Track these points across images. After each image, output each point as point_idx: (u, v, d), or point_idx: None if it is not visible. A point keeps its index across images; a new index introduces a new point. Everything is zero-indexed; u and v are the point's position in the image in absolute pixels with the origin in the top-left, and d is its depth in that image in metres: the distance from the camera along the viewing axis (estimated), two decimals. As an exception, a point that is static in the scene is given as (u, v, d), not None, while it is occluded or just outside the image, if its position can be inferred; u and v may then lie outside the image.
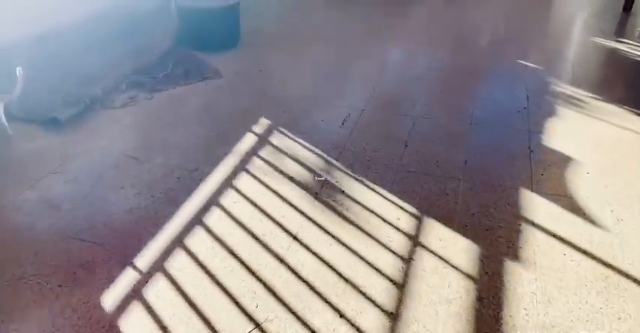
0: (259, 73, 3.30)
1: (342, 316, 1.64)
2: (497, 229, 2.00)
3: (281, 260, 1.85)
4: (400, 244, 1.92)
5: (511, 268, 1.82)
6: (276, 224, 2.01)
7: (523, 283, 1.75)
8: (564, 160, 2.41)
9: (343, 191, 2.20)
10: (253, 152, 2.47)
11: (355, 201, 2.14)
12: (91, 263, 1.82)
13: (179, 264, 1.83)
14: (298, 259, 1.85)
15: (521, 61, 3.48)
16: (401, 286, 1.75)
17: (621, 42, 3.86)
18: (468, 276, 1.79)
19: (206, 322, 1.62)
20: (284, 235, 1.96)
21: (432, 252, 1.89)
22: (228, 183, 2.25)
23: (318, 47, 3.71)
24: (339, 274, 1.79)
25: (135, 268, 1.81)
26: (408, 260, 1.85)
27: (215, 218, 2.04)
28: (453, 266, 1.83)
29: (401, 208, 2.11)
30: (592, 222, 2.04)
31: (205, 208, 2.09)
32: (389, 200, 2.15)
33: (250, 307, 1.67)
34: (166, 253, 1.87)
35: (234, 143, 2.55)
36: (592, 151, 2.48)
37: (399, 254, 1.87)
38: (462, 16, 4.43)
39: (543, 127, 2.71)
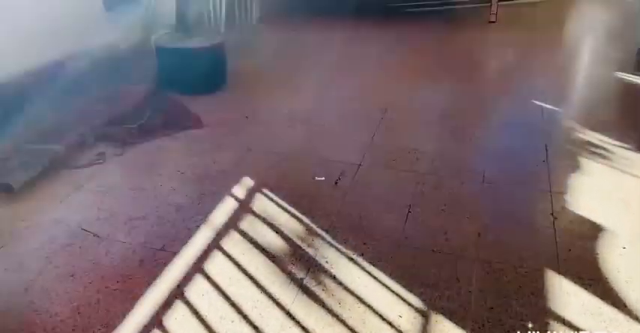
0: (245, 121, 2.98)
1: None
2: (521, 329, 1.63)
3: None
4: (402, 354, 1.56)
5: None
6: (252, 327, 1.66)
7: None
8: (594, 230, 2.06)
9: (334, 276, 1.85)
10: (231, 223, 2.13)
11: (348, 290, 1.79)
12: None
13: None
14: (276, 379, 1.49)
15: (537, 102, 3.14)
16: None
17: (645, 77, 3.52)
18: None
19: None
20: (260, 342, 1.61)
21: (442, 367, 1.53)
22: (197, 267, 1.90)
23: (312, 89, 3.40)
24: None
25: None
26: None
27: (178, 317, 1.69)
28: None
29: (403, 300, 1.75)
30: (636, 318, 1.67)
31: (167, 304, 1.74)
32: (389, 289, 1.79)
33: None
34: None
35: (211, 211, 2.21)
36: (624, 214, 2.12)
37: (402, 370, 1.51)
38: (469, 50, 4.11)
39: (566, 185, 2.36)
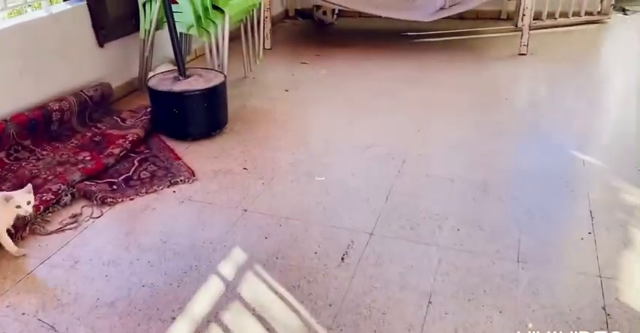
0: (243, 173, 2.63)
1: None
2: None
3: None
4: None
5: None
6: None
7: None
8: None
9: None
10: (214, 315, 1.77)
11: None
12: None
13: None
14: None
15: (577, 154, 2.74)
16: None
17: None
18: None
19: None
20: None
21: None
22: (165, 382, 1.54)
23: (322, 133, 3.06)
24: None
25: None
26: None
27: None
28: None
29: None
30: None
31: None
32: None
33: None
34: None
35: (191, 296, 1.86)
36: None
37: None
38: (498, 87, 3.73)
39: (618, 267, 1.96)
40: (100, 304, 1.83)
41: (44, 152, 2.76)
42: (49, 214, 2.32)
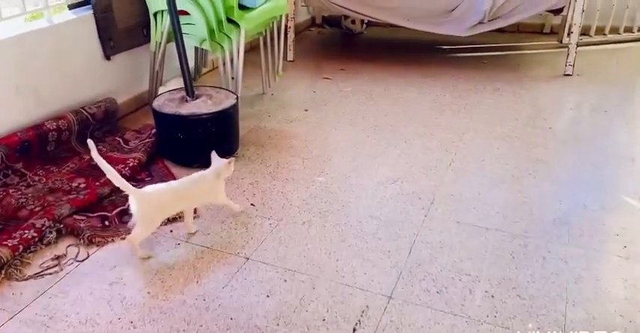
0: (250, 210, 2.35)
1: None
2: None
3: None
4: None
5: None
6: None
7: None
8: None
9: None
10: None
11: None
12: None
13: None
14: None
15: (635, 202, 2.38)
16: None
17: None
18: None
19: None
20: None
21: None
22: None
23: (340, 164, 2.75)
24: None
25: None
26: None
27: None
28: None
29: None
30: None
31: None
32: None
33: None
34: None
35: (175, 372, 1.57)
36: None
37: None
38: (542, 113, 3.37)
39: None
40: (68, 378, 1.56)
41: (36, 177, 2.53)
42: (30, 254, 2.07)
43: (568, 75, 3.86)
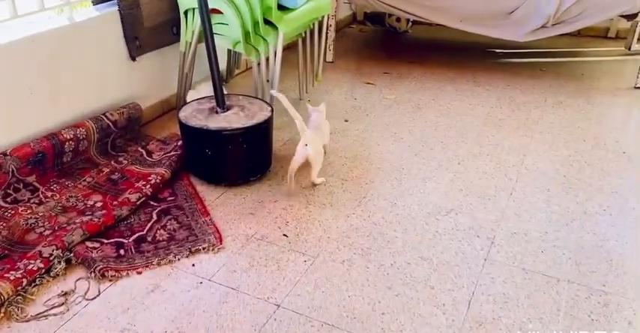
0: (283, 242, 2.07)
1: None
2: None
3: None
4: None
5: None
6: None
7: None
8: None
9: None
10: None
11: None
12: None
13: None
14: None
15: None
16: None
17: None
18: None
19: None
20: None
21: None
22: None
23: (386, 190, 2.44)
24: None
25: None
26: None
27: None
28: None
29: None
30: None
31: None
32: None
33: None
34: None
35: None
36: None
37: None
38: (612, 132, 2.98)
39: None
40: None
41: (49, 193, 2.29)
42: (34, 289, 1.83)
43: (639, 88, 3.45)
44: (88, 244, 2.01)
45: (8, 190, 2.24)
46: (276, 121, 2.86)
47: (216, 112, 2.41)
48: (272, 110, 2.44)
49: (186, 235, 2.10)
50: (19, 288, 1.79)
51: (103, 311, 1.77)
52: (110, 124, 2.61)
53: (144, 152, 2.61)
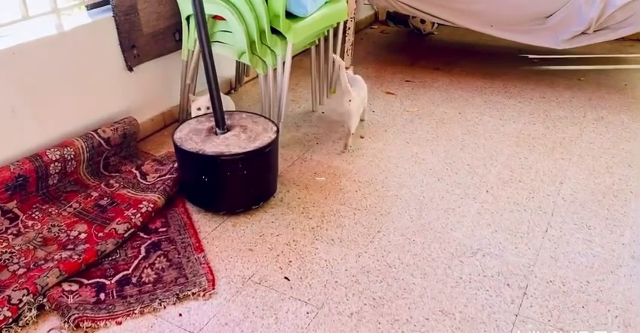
0: (284, 286, 1.82)
1: None
2: None
3: None
4: None
5: None
6: None
7: None
8: None
9: None
10: None
11: None
12: None
13: None
14: None
15: None
16: None
17: None
18: None
19: None
20: None
21: None
22: None
23: (402, 221, 2.17)
24: None
25: None
26: None
27: None
28: None
29: None
30: None
31: None
32: None
33: None
34: None
35: None
36: None
37: None
38: None
39: None
40: None
41: (29, 222, 2.08)
42: (-1, 342, 1.61)
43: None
44: (65, 286, 1.79)
45: (-16, 219, 2.03)
46: (284, 137, 2.62)
47: (215, 133, 2.16)
48: (277, 131, 2.18)
49: (176, 277, 1.86)
50: (-19, 341, 1.57)
51: (73, 372, 1.54)
52: (102, 141, 2.39)
53: (138, 174, 2.37)
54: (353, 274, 1.89)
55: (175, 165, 2.33)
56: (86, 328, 1.66)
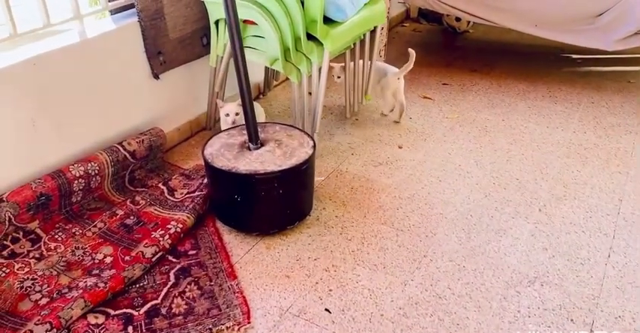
0: (324, 320, 1.67)
1: None
2: None
3: None
4: None
5: None
6: None
7: None
8: None
9: None
10: None
11: None
12: None
13: None
14: None
15: None
16: None
17: None
18: None
19: None
20: None
21: None
22: None
23: (450, 244, 2.00)
24: None
25: None
26: None
27: None
28: None
29: None
30: None
31: None
32: None
33: None
34: None
35: None
36: None
37: None
38: None
39: None
40: None
41: (52, 244, 1.96)
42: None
43: None
44: (91, 318, 1.66)
45: (5, 242, 1.92)
46: (318, 147, 2.46)
47: (249, 148, 2.01)
48: (314, 145, 2.02)
49: (208, 308, 1.72)
50: (2, 383, 1.45)
51: None
52: (127, 155, 2.26)
53: (165, 190, 2.24)
54: (400, 306, 1.73)
55: (204, 180, 2.19)
56: (113, 367, 1.53)
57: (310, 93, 2.38)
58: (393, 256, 1.94)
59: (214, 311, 1.71)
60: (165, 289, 1.80)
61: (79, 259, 1.91)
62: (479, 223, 2.10)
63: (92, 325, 1.64)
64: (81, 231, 2.03)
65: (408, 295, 1.77)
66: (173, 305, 1.74)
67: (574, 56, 3.63)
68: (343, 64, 2.66)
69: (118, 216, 2.11)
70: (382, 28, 3.23)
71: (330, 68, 2.50)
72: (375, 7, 2.44)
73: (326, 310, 1.72)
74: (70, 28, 2.15)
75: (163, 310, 1.72)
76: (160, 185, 2.27)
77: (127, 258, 1.89)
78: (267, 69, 3.03)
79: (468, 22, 4.04)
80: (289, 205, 2.01)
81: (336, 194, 2.28)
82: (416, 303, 1.74)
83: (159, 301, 1.76)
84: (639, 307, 1.71)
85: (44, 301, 1.72)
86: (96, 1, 2.48)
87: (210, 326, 1.65)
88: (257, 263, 1.92)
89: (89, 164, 2.13)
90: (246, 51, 2.29)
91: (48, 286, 1.78)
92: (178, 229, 1.99)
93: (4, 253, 1.90)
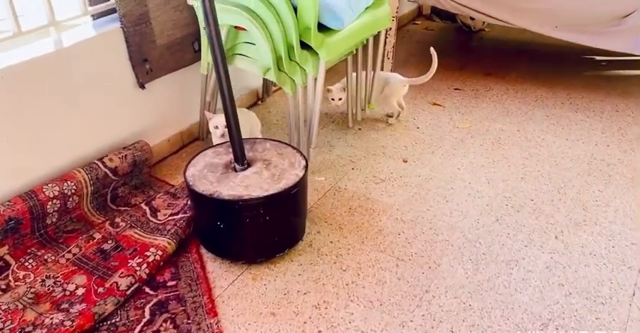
0: (312, 369, 1.49)
1: None
2: None
3: None
4: None
5: None
6: None
7: None
8: None
9: None
10: None
11: None
12: None
13: None
14: None
15: None
16: None
17: None
18: None
19: None
20: None
21: None
22: None
23: (457, 275, 1.82)
24: None
25: None
26: None
27: None
28: None
29: None
30: None
31: None
32: None
33: None
34: None
35: None
36: None
37: None
38: None
39: None
40: None
41: (21, 272, 1.81)
42: None
43: None
44: (52, 362, 1.50)
45: (-31, 271, 1.76)
46: (315, 160, 2.29)
47: (234, 169, 1.83)
48: (306, 165, 1.84)
49: (183, 352, 1.55)
50: None
51: None
52: (108, 171, 2.10)
53: (147, 210, 2.08)
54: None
55: (189, 201, 2.02)
56: None
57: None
58: (392, 291, 1.75)
59: (190, 356, 1.55)
60: (138, 328, 1.64)
61: (48, 290, 1.76)
62: (488, 252, 1.90)
63: (53, 371, 1.49)
64: (54, 257, 1.88)
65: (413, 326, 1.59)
66: (145, 348, 1.57)
67: (597, 58, 3.38)
68: (342, 84, 2.45)
69: (95, 240, 1.96)
70: (389, 28, 3.02)
71: (327, 91, 2.32)
72: (379, 10, 2.24)
73: (313, 355, 1.55)
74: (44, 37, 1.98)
75: (133, 354, 1.56)
76: (143, 206, 2.11)
77: (101, 290, 1.73)
78: (265, 74, 2.84)
79: (484, 20, 3.80)
80: (277, 232, 1.84)
81: (332, 215, 2.10)
82: (414, 349, 1.55)
83: (132, 342, 1.59)
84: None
85: (5, 341, 1.57)
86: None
87: (184, 374, 1.49)
88: (241, 297, 1.75)
89: (65, 184, 1.98)
90: (238, 59, 2.13)
91: (11, 323, 1.63)
92: (157, 257, 1.83)
93: (-32, 283, 1.75)
